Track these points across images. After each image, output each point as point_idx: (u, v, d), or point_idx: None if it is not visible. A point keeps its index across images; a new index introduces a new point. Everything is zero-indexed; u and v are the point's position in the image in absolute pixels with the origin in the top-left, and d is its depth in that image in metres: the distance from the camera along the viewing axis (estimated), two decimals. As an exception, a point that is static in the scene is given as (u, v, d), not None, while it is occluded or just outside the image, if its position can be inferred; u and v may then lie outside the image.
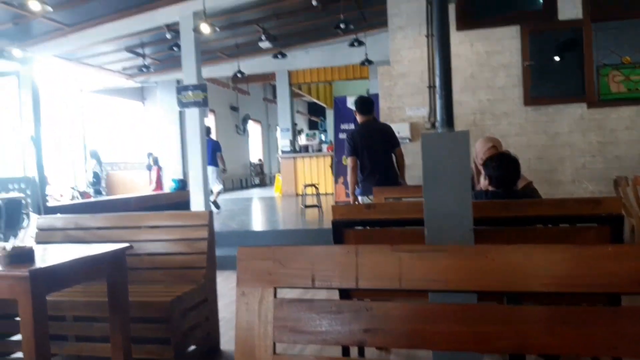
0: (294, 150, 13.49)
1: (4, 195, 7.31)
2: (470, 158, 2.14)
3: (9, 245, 2.15)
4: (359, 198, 4.64)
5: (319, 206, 8.28)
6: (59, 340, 2.88)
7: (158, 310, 2.76)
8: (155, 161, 13.09)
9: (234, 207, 10.33)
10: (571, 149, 6.22)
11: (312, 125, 24.17)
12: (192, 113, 7.99)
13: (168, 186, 12.71)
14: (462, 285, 1.12)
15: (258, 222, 8.42)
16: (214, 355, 3.20)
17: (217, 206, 9.50)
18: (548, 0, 6.23)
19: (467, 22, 6.42)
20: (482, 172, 2.91)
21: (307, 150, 13.24)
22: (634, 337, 0.98)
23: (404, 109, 6.67)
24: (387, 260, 1.16)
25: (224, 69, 12.85)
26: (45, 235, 3.48)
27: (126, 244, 2.54)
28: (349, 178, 4.68)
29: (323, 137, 14.84)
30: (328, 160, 12.35)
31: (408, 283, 1.14)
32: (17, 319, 2.49)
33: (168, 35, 9.05)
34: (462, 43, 6.42)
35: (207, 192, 8.29)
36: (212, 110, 14.86)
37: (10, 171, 8.84)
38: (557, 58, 6.70)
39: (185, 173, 12.47)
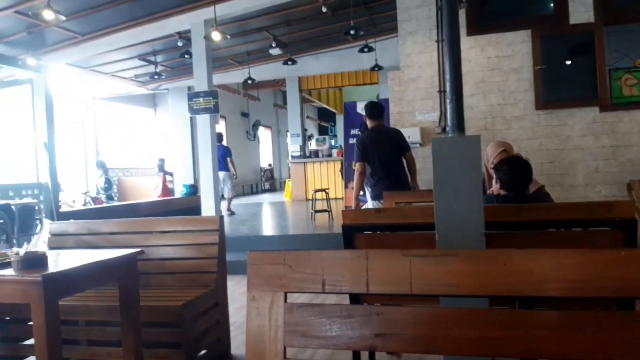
0: (304, 156, 13.51)
1: (17, 201, 7.41)
2: (481, 162, 2.13)
3: (22, 250, 2.17)
4: (371, 203, 4.64)
5: (329, 211, 8.27)
6: (71, 344, 2.90)
7: (169, 314, 2.77)
8: (161, 167, 13.17)
9: (245, 212, 10.36)
10: (583, 152, 6.17)
11: (322, 131, 24.19)
12: (203, 119, 8.04)
13: (179, 191, 12.80)
14: (474, 290, 1.11)
15: (268, 227, 8.43)
16: (225, 359, 3.21)
17: (232, 213, 9.81)
18: (559, 4, 6.19)
19: (477, 27, 6.40)
20: (494, 176, 2.90)
21: (317, 155, 13.26)
22: (648, 342, 0.96)
23: (414, 113, 6.66)
24: (397, 265, 1.16)
25: (235, 76, 12.92)
26: (58, 241, 3.51)
27: (138, 249, 2.56)
28: (355, 183, 4.68)
29: (333, 142, 14.83)
30: (338, 165, 12.36)
31: (419, 288, 1.14)
32: (30, 323, 2.52)
33: (179, 43, 9.14)
34: (472, 48, 6.40)
35: (218, 197, 8.33)
36: (223, 117, 14.94)
37: (24, 177, 8.94)
38: (568, 62, 6.65)
39: (196, 179, 12.53)
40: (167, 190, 12.93)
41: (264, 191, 19.43)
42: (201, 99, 7.91)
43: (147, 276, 3.15)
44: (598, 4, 6.07)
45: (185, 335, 2.76)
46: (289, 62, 11.34)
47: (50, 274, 2.03)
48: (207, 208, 8.01)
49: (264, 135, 20.86)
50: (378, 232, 2.60)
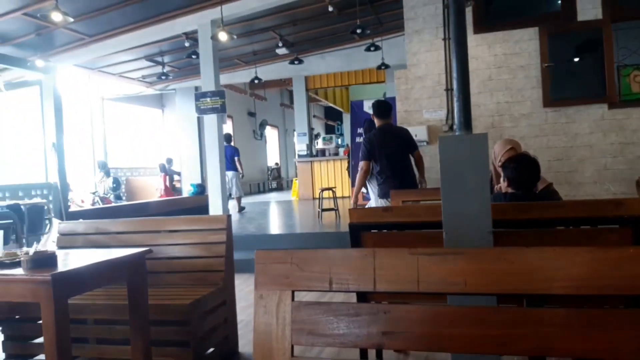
0: (310, 155, 13.52)
1: (27, 201, 7.48)
2: (488, 160, 2.12)
3: (31, 250, 2.19)
4: (378, 201, 4.63)
5: (336, 210, 8.26)
6: (80, 342, 2.92)
7: (177, 313, 2.78)
8: (162, 168, 13.21)
9: (252, 211, 10.39)
10: (592, 150, 6.13)
11: (329, 130, 24.19)
12: (211, 119, 8.07)
13: (187, 190, 12.84)
14: (482, 288, 1.11)
15: (275, 226, 8.45)
16: (233, 357, 3.22)
17: (243, 208, 10.21)
18: (567, 1, 6.15)
19: (484, 25, 6.37)
20: (501, 174, 2.88)
21: (324, 154, 13.26)
22: (658, 340, 0.96)
23: (421, 112, 6.64)
24: (404, 263, 1.16)
25: (242, 76, 12.94)
26: (67, 240, 3.54)
27: (146, 248, 2.57)
28: (357, 181, 4.68)
29: (340, 141, 14.82)
30: (345, 164, 12.35)
31: (426, 286, 1.14)
32: (40, 322, 2.54)
33: (186, 44, 9.17)
34: (479, 46, 6.37)
35: (226, 196, 8.36)
36: (230, 116, 14.98)
37: (33, 178, 9.02)
38: (576, 59, 6.61)
39: (203, 178, 12.58)
40: (169, 191, 12.98)
41: (271, 190, 19.46)
42: (208, 99, 7.94)
43: (155, 275, 3.16)
44: (606, 1, 6.02)
45: (193, 333, 2.78)
46: (296, 62, 11.34)
47: (59, 273, 2.04)
48: (215, 207, 8.04)
49: (271, 134, 20.89)
50: (385, 230, 2.60)
